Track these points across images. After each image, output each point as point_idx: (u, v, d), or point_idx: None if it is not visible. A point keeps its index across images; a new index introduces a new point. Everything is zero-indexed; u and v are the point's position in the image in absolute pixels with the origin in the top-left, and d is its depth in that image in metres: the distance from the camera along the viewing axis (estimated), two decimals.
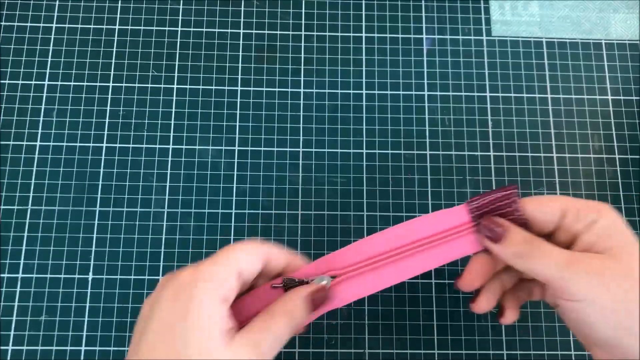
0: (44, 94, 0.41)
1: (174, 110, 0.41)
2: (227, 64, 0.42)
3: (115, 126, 0.40)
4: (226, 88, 0.41)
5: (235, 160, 0.40)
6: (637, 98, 0.42)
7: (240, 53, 0.42)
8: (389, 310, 0.37)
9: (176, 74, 0.41)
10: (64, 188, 0.39)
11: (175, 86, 0.41)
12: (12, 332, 0.36)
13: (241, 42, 0.42)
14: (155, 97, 0.41)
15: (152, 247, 0.38)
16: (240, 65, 0.42)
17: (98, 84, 0.41)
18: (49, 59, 0.41)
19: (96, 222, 0.38)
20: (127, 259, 0.38)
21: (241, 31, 0.43)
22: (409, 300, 0.38)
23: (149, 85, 0.41)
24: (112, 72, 0.41)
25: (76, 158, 0.39)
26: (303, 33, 0.43)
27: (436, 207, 0.39)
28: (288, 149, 0.40)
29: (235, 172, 0.40)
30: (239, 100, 0.41)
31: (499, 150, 0.41)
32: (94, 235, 0.38)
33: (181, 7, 0.43)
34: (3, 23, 0.42)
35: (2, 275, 0.37)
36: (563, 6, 0.44)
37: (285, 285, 0.28)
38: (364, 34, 0.43)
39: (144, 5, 0.43)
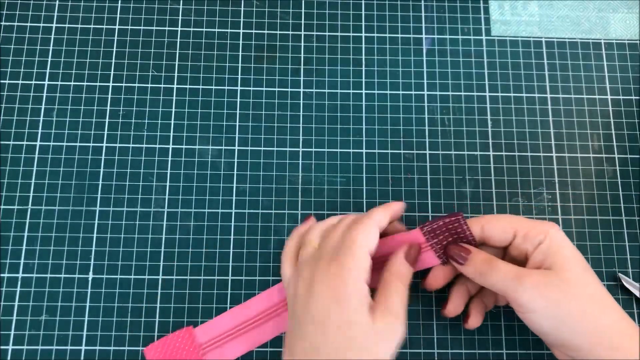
0: (44, 94, 0.41)
1: (174, 110, 0.41)
2: (227, 64, 0.42)
3: (115, 126, 0.40)
4: (226, 88, 0.41)
5: (235, 160, 0.40)
6: (637, 98, 0.42)
7: (240, 53, 0.42)
8: None
9: (176, 74, 0.42)
10: (64, 188, 0.39)
11: (175, 86, 0.41)
12: (12, 332, 0.36)
13: (241, 42, 0.43)
14: (155, 97, 0.41)
15: (152, 247, 0.38)
16: (240, 65, 0.42)
17: (98, 83, 0.41)
18: (49, 59, 0.41)
19: (96, 221, 0.38)
20: (127, 259, 0.38)
21: (241, 31, 0.43)
22: (408, 300, 0.38)
23: (149, 85, 0.41)
24: (112, 72, 0.41)
25: (76, 158, 0.39)
26: (303, 33, 0.43)
27: (436, 206, 0.39)
28: (288, 149, 0.40)
29: (235, 172, 0.40)
30: (238, 100, 0.41)
31: (498, 150, 0.41)
32: (94, 235, 0.38)
33: (181, 7, 0.43)
34: (3, 23, 0.42)
35: (2, 275, 0.37)
36: (562, 6, 0.45)
37: None
38: (363, 34, 0.43)
39: (144, 5, 0.43)
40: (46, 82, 0.41)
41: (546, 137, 0.41)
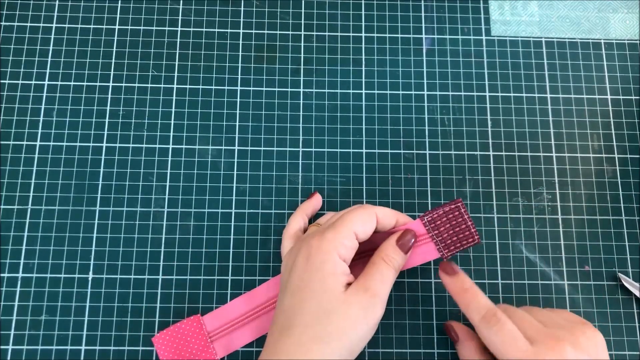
0: (44, 94, 0.41)
1: (173, 110, 0.41)
2: (227, 64, 0.42)
3: (115, 126, 0.40)
4: (226, 88, 0.41)
5: (235, 160, 0.40)
6: (637, 98, 0.42)
7: (240, 53, 0.42)
8: (389, 310, 0.37)
9: (176, 74, 0.42)
10: (64, 188, 0.39)
11: (175, 86, 0.41)
12: (12, 332, 0.36)
13: (241, 42, 0.43)
14: (155, 97, 0.41)
15: (152, 247, 0.38)
16: (240, 65, 0.42)
17: (98, 83, 0.41)
18: (49, 59, 0.41)
19: (96, 221, 0.38)
20: (127, 259, 0.38)
21: (241, 31, 0.43)
22: (408, 299, 0.38)
23: (149, 85, 0.41)
24: (112, 72, 0.41)
25: (76, 158, 0.39)
26: (303, 33, 0.43)
27: (435, 206, 0.39)
28: (288, 149, 0.40)
29: (235, 172, 0.40)
30: (238, 100, 0.41)
31: (498, 150, 0.41)
32: (94, 235, 0.38)
33: (181, 7, 0.43)
34: (3, 23, 0.42)
35: (2, 274, 0.37)
36: (562, 6, 0.45)
37: None
38: (363, 34, 0.43)
39: (144, 5, 0.43)
40: (46, 82, 0.41)
41: (546, 137, 0.41)
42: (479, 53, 0.43)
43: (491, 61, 0.43)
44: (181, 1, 0.43)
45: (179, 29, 0.43)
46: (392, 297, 0.37)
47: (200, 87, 0.41)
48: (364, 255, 0.35)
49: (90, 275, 0.37)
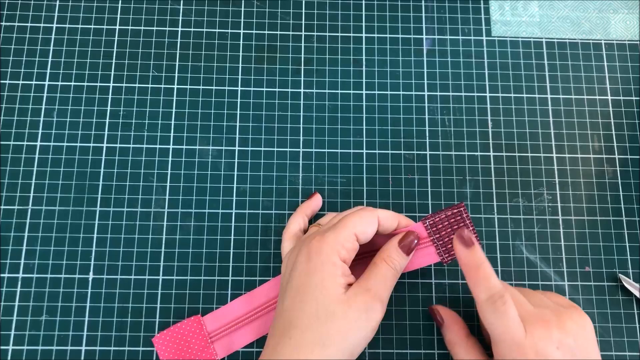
0: (44, 94, 0.41)
1: (174, 110, 0.41)
2: (227, 64, 0.42)
3: (116, 126, 0.40)
4: (226, 88, 0.41)
5: (235, 160, 0.40)
6: (637, 98, 0.42)
7: (240, 53, 0.42)
8: (389, 310, 0.37)
9: (176, 74, 0.41)
10: (64, 188, 0.39)
11: (175, 86, 0.41)
12: (12, 332, 0.36)
13: (241, 42, 0.43)
14: (155, 97, 0.41)
15: (152, 247, 0.38)
16: (240, 65, 0.42)
17: (98, 84, 0.41)
18: (49, 59, 0.41)
19: (96, 222, 0.38)
20: (128, 259, 0.38)
21: (241, 31, 0.43)
22: (409, 300, 0.38)
23: (149, 86, 0.41)
24: (112, 72, 0.41)
25: (76, 158, 0.39)
26: (303, 33, 0.43)
27: (436, 207, 0.39)
28: (288, 149, 0.40)
29: (235, 172, 0.40)
30: (239, 100, 0.41)
31: (498, 151, 0.41)
32: (95, 235, 0.38)
33: (181, 7, 0.43)
34: (3, 23, 0.42)
35: (2, 275, 0.37)
36: (563, 6, 0.45)
37: None
38: (364, 34, 0.43)
39: (144, 5, 0.43)
40: (46, 82, 0.41)
41: (546, 138, 0.41)
42: (479, 53, 0.43)
43: (492, 62, 0.43)
44: (182, 1, 0.43)
45: (180, 29, 0.42)
46: (393, 297, 0.37)
47: (201, 87, 0.41)
48: (366, 256, 0.35)
49: (91, 276, 0.37)
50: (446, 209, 0.33)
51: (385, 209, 0.34)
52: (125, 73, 0.41)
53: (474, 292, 0.31)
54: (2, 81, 0.41)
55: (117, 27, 0.42)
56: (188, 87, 0.41)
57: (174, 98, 0.41)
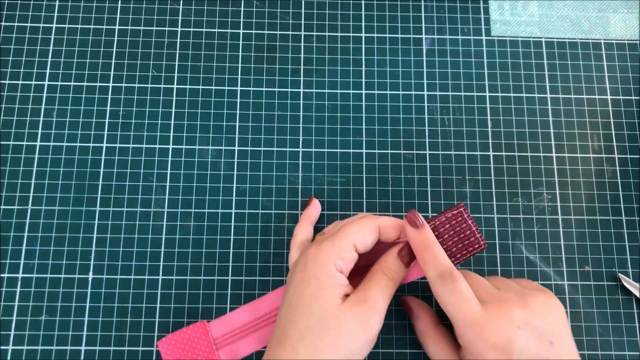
0: (44, 94, 0.41)
1: (174, 110, 0.41)
2: (227, 64, 0.42)
3: (115, 126, 0.40)
4: (226, 88, 0.41)
5: (235, 160, 0.40)
6: (637, 98, 0.42)
7: (240, 53, 0.42)
8: (389, 310, 0.37)
9: (176, 74, 0.42)
10: (64, 188, 0.39)
11: (175, 86, 0.41)
12: (12, 332, 0.36)
13: (241, 42, 0.43)
14: (155, 97, 0.41)
15: (152, 247, 0.38)
16: (240, 65, 0.42)
17: (98, 84, 0.41)
18: (49, 59, 0.41)
19: (96, 222, 0.38)
20: (127, 259, 0.38)
21: (241, 31, 0.43)
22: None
23: (149, 85, 0.41)
24: (112, 72, 0.41)
25: (76, 158, 0.39)
26: (303, 33, 0.43)
27: (436, 206, 0.39)
28: (288, 149, 0.40)
29: (235, 172, 0.40)
30: (238, 100, 0.41)
31: (498, 150, 0.41)
32: (94, 235, 0.38)
33: (181, 7, 0.43)
34: (3, 23, 0.42)
35: (2, 275, 0.37)
36: (562, 6, 0.45)
37: None
38: (363, 34, 0.43)
39: (144, 5, 0.43)
40: (46, 83, 0.41)
41: (546, 137, 0.41)
42: (479, 53, 0.43)
43: (491, 61, 0.43)
44: (181, 1, 0.43)
45: (179, 29, 0.43)
46: (393, 297, 0.37)
47: (200, 87, 0.41)
48: (369, 265, 0.34)
49: (90, 276, 0.37)
50: (445, 211, 0.33)
51: (388, 216, 0.33)
52: (124, 73, 0.41)
53: (425, 271, 0.31)
54: (1, 81, 0.41)
55: (117, 27, 0.42)
56: (187, 87, 0.41)
57: (174, 98, 0.41)
